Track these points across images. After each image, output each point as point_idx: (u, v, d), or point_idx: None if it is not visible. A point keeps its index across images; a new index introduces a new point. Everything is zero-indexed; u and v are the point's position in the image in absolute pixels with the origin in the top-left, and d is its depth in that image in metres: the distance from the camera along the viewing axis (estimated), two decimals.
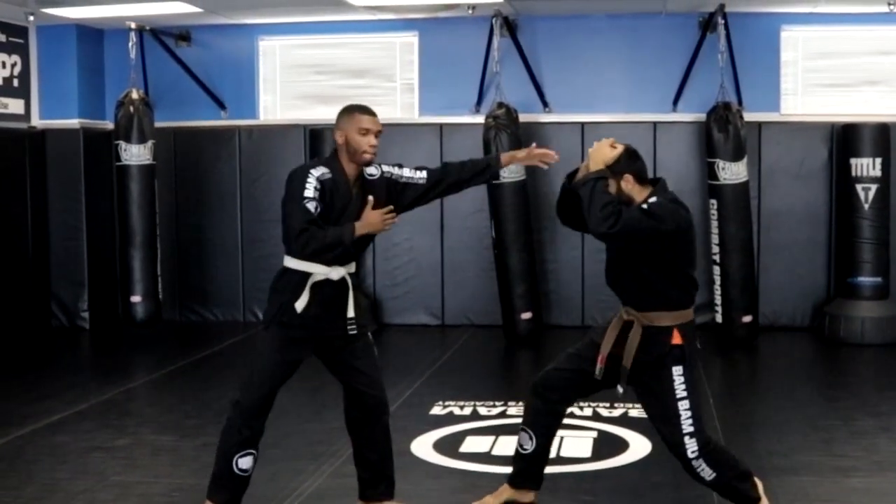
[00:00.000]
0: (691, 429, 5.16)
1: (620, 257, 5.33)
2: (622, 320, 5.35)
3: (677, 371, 5.18)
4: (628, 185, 5.26)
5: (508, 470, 6.05)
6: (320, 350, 5.40)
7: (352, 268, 5.38)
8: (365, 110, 5.39)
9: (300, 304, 5.20)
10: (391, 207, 5.25)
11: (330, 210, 5.20)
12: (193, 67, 12.09)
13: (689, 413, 5.15)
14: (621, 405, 8.10)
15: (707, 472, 5.21)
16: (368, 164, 5.37)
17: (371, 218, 5.17)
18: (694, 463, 5.19)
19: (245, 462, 5.28)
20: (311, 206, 5.11)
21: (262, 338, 5.36)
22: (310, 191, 5.14)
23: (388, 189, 5.42)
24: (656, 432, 5.40)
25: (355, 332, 5.35)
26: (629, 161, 5.29)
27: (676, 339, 5.19)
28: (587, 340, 5.54)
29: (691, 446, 5.16)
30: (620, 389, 5.27)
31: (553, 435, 5.73)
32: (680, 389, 5.16)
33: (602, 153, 5.27)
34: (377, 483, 5.59)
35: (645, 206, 5.14)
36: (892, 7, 10.51)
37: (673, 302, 5.25)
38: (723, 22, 10.69)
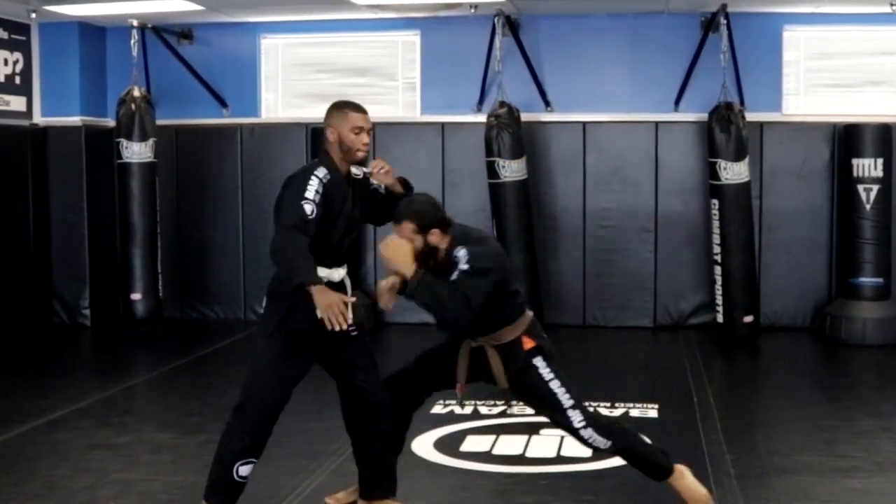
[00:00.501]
0: (570, 402, 5.33)
1: None
2: (469, 347, 5.42)
3: (538, 361, 5.36)
4: (435, 238, 5.20)
5: (509, 469, 6.06)
6: (319, 351, 5.38)
7: (345, 269, 5.37)
8: (356, 108, 5.32)
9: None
10: (353, 302, 5.12)
11: (330, 210, 5.17)
12: (195, 65, 12.09)
13: (563, 390, 5.33)
14: (622, 405, 8.12)
15: (601, 441, 5.37)
16: (361, 162, 5.34)
17: (327, 299, 4.89)
18: (583, 433, 5.34)
19: (245, 470, 5.24)
20: (308, 207, 5.03)
21: (266, 346, 5.25)
22: (310, 192, 5.06)
23: (364, 189, 5.45)
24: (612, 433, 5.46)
25: (356, 332, 5.34)
26: (434, 213, 5.22)
27: (528, 343, 5.35)
28: (432, 371, 5.60)
29: (575, 417, 5.32)
30: (512, 403, 5.48)
31: (403, 438, 5.80)
32: (546, 373, 5.34)
33: (399, 252, 5.14)
34: (380, 481, 5.59)
35: (465, 266, 5.06)
36: (894, 7, 10.51)
37: (512, 318, 5.35)
38: (725, 22, 10.67)
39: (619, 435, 5.44)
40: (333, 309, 4.85)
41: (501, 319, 5.31)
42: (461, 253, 5.09)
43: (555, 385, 5.31)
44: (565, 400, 5.30)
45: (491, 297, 5.12)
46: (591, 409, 5.44)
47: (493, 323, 5.29)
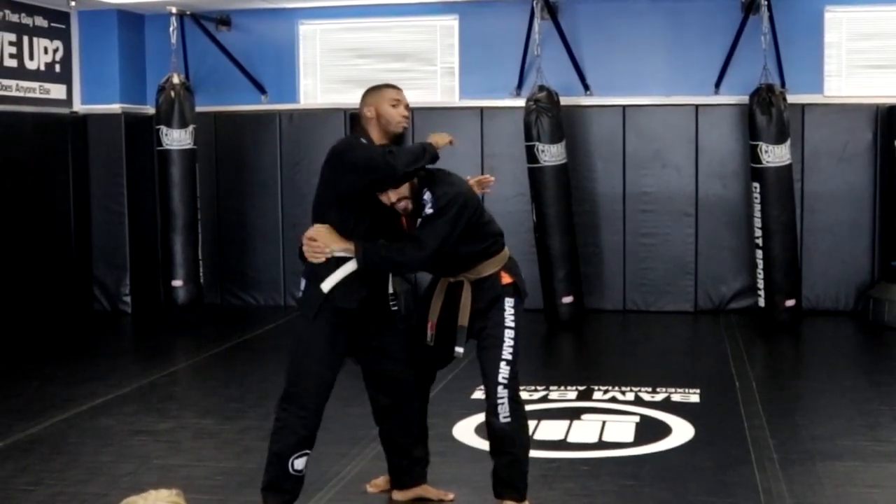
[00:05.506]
0: (509, 357, 5.25)
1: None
2: (446, 283, 5.40)
3: (509, 302, 5.31)
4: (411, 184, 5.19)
5: (551, 454, 6.02)
6: (357, 334, 5.36)
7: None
8: (390, 85, 5.37)
9: (329, 284, 5.11)
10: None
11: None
12: (234, 52, 12.11)
13: (511, 342, 5.27)
14: (663, 390, 8.07)
15: (505, 409, 5.22)
16: (401, 135, 5.34)
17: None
18: (500, 391, 5.22)
19: (300, 463, 5.18)
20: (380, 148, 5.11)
21: (309, 329, 5.18)
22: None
23: None
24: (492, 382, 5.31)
25: (397, 307, 5.34)
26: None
27: (506, 279, 5.34)
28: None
29: (504, 372, 5.23)
30: (459, 350, 5.35)
31: (426, 420, 5.77)
32: (509, 318, 5.29)
33: (331, 237, 5.13)
34: (412, 467, 5.62)
35: (430, 210, 5.12)
36: None
37: (491, 251, 5.35)
38: (766, 3, 10.57)
39: (521, 423, 5.32)
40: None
41: (479, 253, 5.30)
42: (427, 196, 5.15)
43: (507, 334, 5.26)
44: (507, 353, 5.24)
45: (464, 230, 5.17)
46: (518, 380, 5.32)
47: (471, 257, 5.29)
